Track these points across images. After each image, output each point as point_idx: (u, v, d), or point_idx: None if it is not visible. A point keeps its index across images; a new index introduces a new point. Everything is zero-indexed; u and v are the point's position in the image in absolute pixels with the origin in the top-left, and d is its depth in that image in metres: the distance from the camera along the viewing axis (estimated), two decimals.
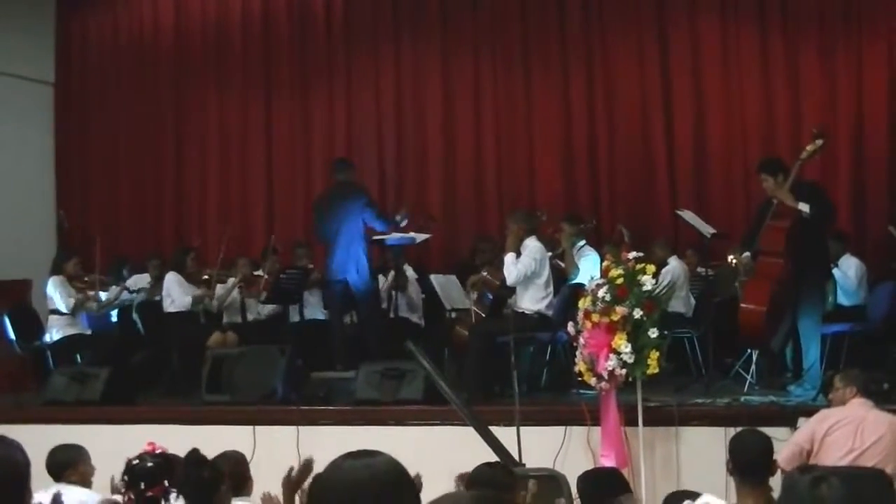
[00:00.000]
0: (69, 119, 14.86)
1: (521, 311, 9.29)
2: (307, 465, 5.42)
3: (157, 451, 5.25)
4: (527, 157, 12.98)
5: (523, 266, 9.22)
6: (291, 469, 5.42)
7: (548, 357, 9.85)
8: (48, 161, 14.70)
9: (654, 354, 7.38)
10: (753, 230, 8.88)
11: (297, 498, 5.33)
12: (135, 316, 11.87)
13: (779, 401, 8.30)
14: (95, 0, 14.97)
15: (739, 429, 6.13)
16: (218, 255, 11.44)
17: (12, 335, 11.19)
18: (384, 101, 13.59)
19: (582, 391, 8.34)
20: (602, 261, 8.72)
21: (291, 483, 5.41)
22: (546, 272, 9.43)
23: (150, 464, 5.04)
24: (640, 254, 7.82)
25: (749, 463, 5.11)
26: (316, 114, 13.87)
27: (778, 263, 8.56)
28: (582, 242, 10.69)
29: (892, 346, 9.78)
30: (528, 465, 6.79)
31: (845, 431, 6.15)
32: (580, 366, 7.66)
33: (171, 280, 11.09)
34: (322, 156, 13.70)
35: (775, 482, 5.26)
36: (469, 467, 5.20)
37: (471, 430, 7.13)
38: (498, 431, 7.18)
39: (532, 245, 9.37)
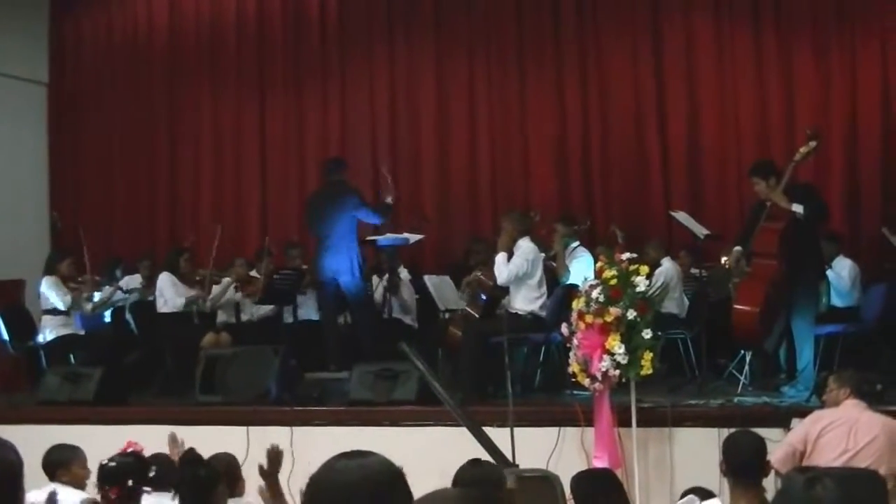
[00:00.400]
0: (63, 119, 14.85)
1: (514, 311, 9.29)
2: (275, 453, 5.48)
3: (129, 451, 5.28)
4: (521, 157, 12.98)
5: (514, 266, 9.22)
6: (260, 466, 5.46)
7: (541, 358, 9.84)
8: (42, 161, 14.69)
9: (648, 355, 7.38)
10: (747, 231, 8.89)
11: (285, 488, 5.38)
12: (128, 316, 11.87)
13: (772, 402, 8.30)
14: (89, 0, 14.95)
15: (733, 430, 6.14)
16: (210, 255, 11.41)
17: (6, 335, 11.19)
18: (378, 102, 13.60)
19: (576, 392, 8.34)
20: (595, 262, 8.72)
21: (268, 473, 5.45)
22: (539, 272, 9.42)
23: (113, 464, 5.07)
24: (634, 255, 7.83)
25: (742, 464, 5.12)
26: (310, 114, 13.87)
27: (771, 265, 8.56)
28: (576, 243, 10.68)
29: (886, 347, 9.80)
30: (522, 466, 6.79)
31: (838, 432, 6.16)
32: (574, 367, 7.66)
33: (165, 280, 11.08)
34: (316, 156, 13.70)
35: (769, 483, 5.27)
36: None
37: (464, 430, 7.12)
38: (492, 432, 7.17)
39: (525, 246, 9.36)
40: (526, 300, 9.32)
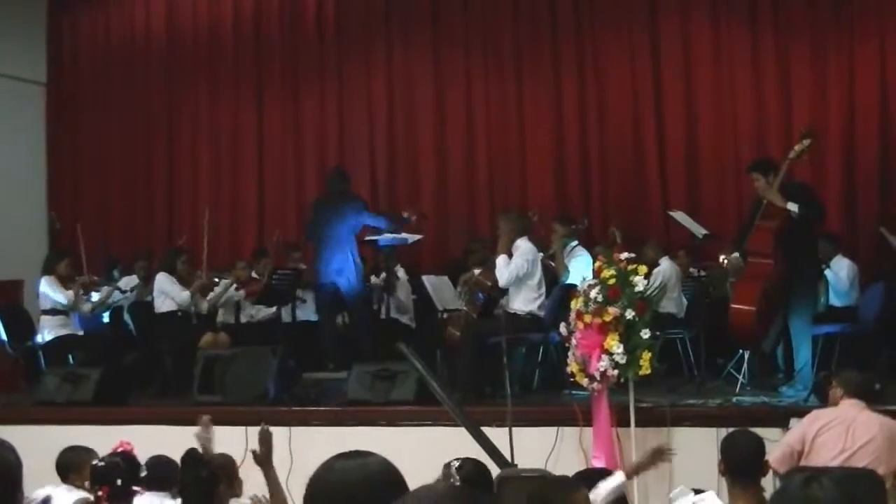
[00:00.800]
0: (61, 119, 14.85)
1: (513, 311, 9.29)
2: (265, 434, 5.47)
3: (119, 451, 5.29)
4: (518, 158, 12.99)
5: (515, 267, 9.22)
6: (253, 451, 5.45)
7: (540, 358, 9.84)
8: (40, 161, 14.69)
9: (647, 355, 7.38)
10: (743, 231, 8.90)
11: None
12: (126, 317, 11.86)
13: (770, 401, 8.30)
14: (87, 1, 14.95)
15: (731, 429, 6.14)
16: (203, 239, 11.36)
17: (4, 336, 11.19)
18: (375, 103, 13.60)
19: (574, 392, 8.33)
20: (594, 262, 8.72)
21: (261, 457, 5.44)
22: (538, 273, 9.43)
23: (102, 464, 5.08)
24: (633, 254, 7.83)
25: (741, 463, 5.12)
26: (307, 115, 13.88)
27: (767, 264, 8.57)
28: (574, 243, 10.68)
29: (884, 347, 9.80)
30: (521, 466, 6.79)
31: (836, 432, 6.16)
32: (572, 366, 7.66)
33: (161, 281, 11.02)
34: (313, 157, 13.73)
35: (767, 482, 5.27)
36: None
37: (463, 430, 7.13)
38: (490, 432, 7.18)
39: (524, 246, 9.36)
40: (525, 300, 9.32)
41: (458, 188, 13.19)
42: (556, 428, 8.07)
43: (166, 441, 6.34)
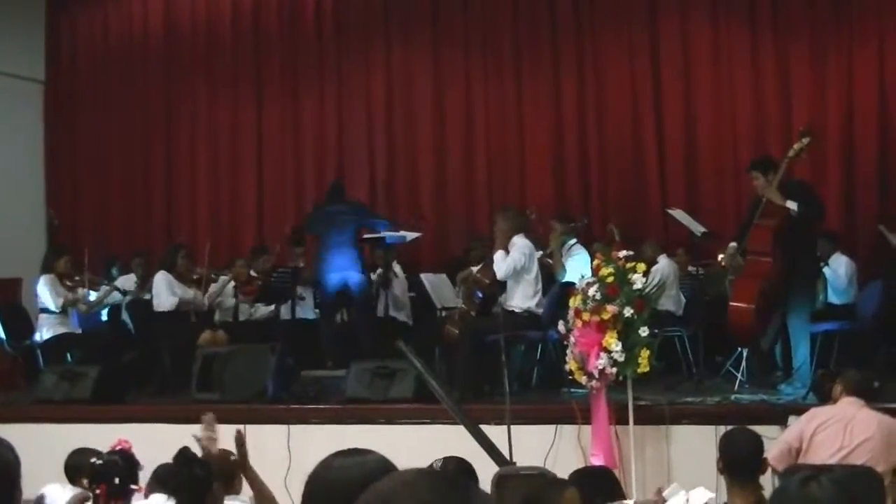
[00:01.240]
0: (59, 117, 14.84)
1: (511, 309, 9.30)
2: (238, 439, 5.48)
3: (118, 449, 5.28)
4: (517, 157, 12.99)
5: (512, 260, 9.25)
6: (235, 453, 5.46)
7: (538, 355, 9.85)
8: (38, 159, 14.68)
9: (645, 353, 7.38)
10: (742, 229, 8.90)
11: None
12: (125, 315, 11.85)
13: (769, 399, 8.31)
14: None
15: (730, 427, 6.14)
16: (205, 254, 11.41)
17: (2, 334, 11.20)
18: (375, 102, 13.60)
19: (572, 390, 8.33)
20: (592, 259, 8.72)
21: (239, 461, 5.44)
22: (535, 268, 9.44)
23: (100, 462, 5.07)
24: (631, 252, 7.83)
25: (739, 461, 5.12)
26: (306, 114, 13.87)
27: (766, 262, 8.58)
28: (572, 241, 10.69)
29: (882, 345, 9.81)
30: (519, 464, 6.79)
31: (834, 430, 6.16)
32: (571, 364, 7.67)
33: (160, 280, 11.04)
34: (312, 156, 13.74)
35: (765, 480, 5.28)
36: None
37: (461, 428, 7.12)
38: (488, 430, 7.17)
39: (520, 242, 9.39)
40: (523, 297, 9.33)
41: (457, 187, 13.18)
42: (554, 426, 8.07)
43: (165, 439, 6.33)
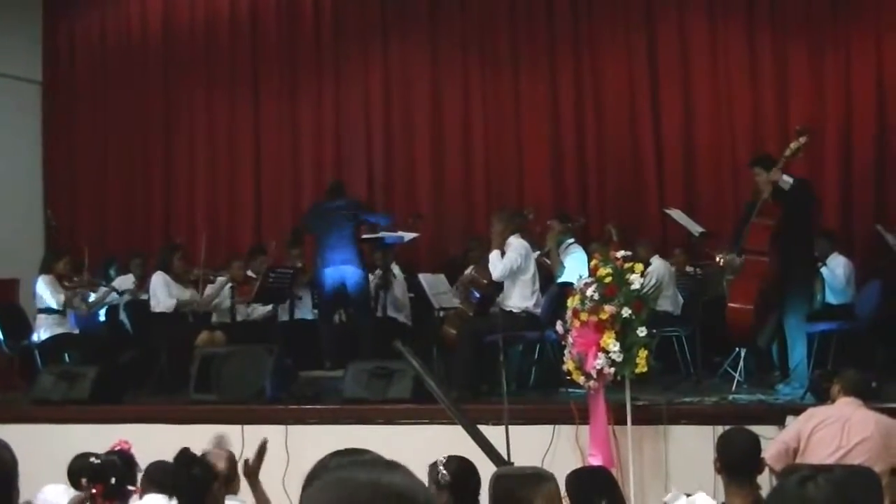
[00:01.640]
0: (57, 118, 14.84)
1: (509, 309, 9.30)
2: (262, 449, 5.50)
3: (117, 449, 5.29)
4: (515, 155, 13.00)
5: (508, 261, 9.26)
6: (247, 460, 5.47)
7: (536, 356, 9.85)
8: (36, 160, 14.68)
9: (643, 353, 7.38)
10: (739, 229, 8.91)
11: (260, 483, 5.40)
12: (122, 315, 11.85)
13: (767, 399, 8.32)
14: None
15: (727, 427, 6.14)
16: (201, 253, 11.40)
17: (0, 334, 11.17)
18: (372, 101, 13.60)
19: (570, 390, 8.32)
20: (589, 259, 8.72)
21: (252, 469, 5.46)
22: (532, 268, 9.45)
23: (98, 461, 5.07)
24: (629, 252, 7.84)
25: (737, 461, 5.12)
26: (304, 114, 13.87)
27: (763, 262, 8.58)
28: (570, 241, 10.69)
29: (880, 345, 9.81)
30: (517, 464, 6.79)
31: (831, 430, 6.16)
32: (569, 364, 7.66)
33: (157, 281, 11.02)
34: (310, 155, 13.74)
35: (763, 480, 5.28)
36: None
37: (459, 428, 7.13)
38: (486, 430, 7.17)
39: (516, 243, 9.40)
40: (521, 297, 9.34)
41: (454, 187, 13.19)
42: (552, 426, 8.08)
43: (162, 439, 6.34)
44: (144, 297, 11.34)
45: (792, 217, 8.54)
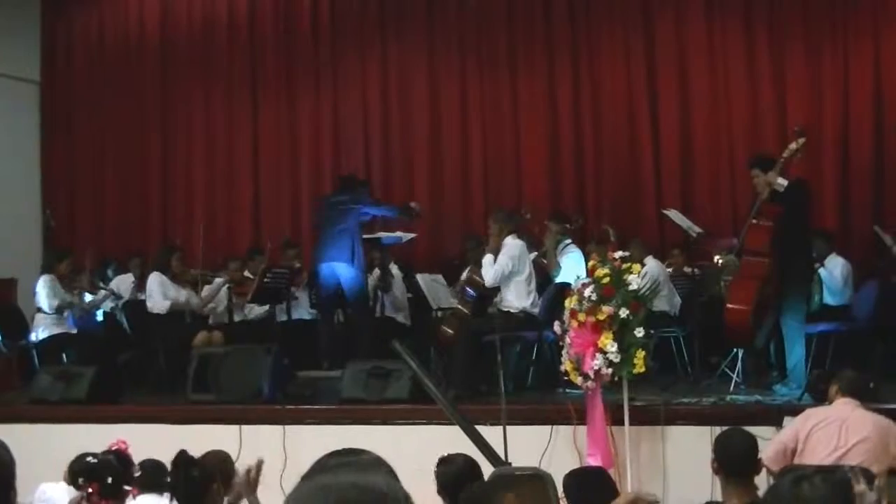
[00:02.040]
0: (55, 118, 14.84)
1: (507, 309, 9.31)
2: (259, 465, 5.50)
3: (114, 449, 5.29)
4: (513, 156, 13.00)
5: (500, 266, 9.30)
6: (249, 470, 5.48)
7: (534, 356, 9.85)
8: (34, 160, 14.68)
9: (640, 354, 7.38)
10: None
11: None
12: (119, 316, 11.84)
13: (764, 400, 8.32)
14: None
15: (725, 428, 6.14)
16: (198, 251, 11.40)
17: None
18: (370, 101, 13.60)
19: (568, 390, 8.34)
20: (586, 259, 8.72)
21: (249, 485, 5.46)
22: (527, 268, 9.47)
23: (94, 461, 5.08)
24: (627, 253, 7.84)
25: (734, 462, 5.12)
26: (302, 114, 13.87)
27: (762, 262, 8.59)
28: (567, 241, 10.69)
29: (878, 345, 9.81)
30: (515, 464, 6.79)
31: (829, 430, 6.16)
32: (566, 365, 7.66)
33: (153, 281, 11.01)
34: (308, 155, 13.74)
35: (761, 481, 5.28)
36: None
37: (457, 429, 7.13)
38: (484, 430, 7.17)
39: (510, 243, 9.42)
40: (518, 296, 9.36)
41: (452, 187, 13.19)
42: (550, 426, 8.08)
43: (160, 439, 6.35)
44: (143, 297, 11.34)
45: (790, 218, 8.54)
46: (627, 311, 7.34)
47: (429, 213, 12.72)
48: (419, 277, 10.98)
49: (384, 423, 8.65)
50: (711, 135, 12.24)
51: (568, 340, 7.63)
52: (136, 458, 5.56)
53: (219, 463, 5.46)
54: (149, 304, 11.02)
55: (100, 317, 12.02)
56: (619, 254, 7.73)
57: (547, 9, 12.90)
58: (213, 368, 9.57)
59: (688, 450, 7.66)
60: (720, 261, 9.23)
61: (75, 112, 14.78)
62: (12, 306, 12.09)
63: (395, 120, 13.52)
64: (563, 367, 7.75)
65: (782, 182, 8.53)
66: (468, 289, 10.06)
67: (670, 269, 11.07)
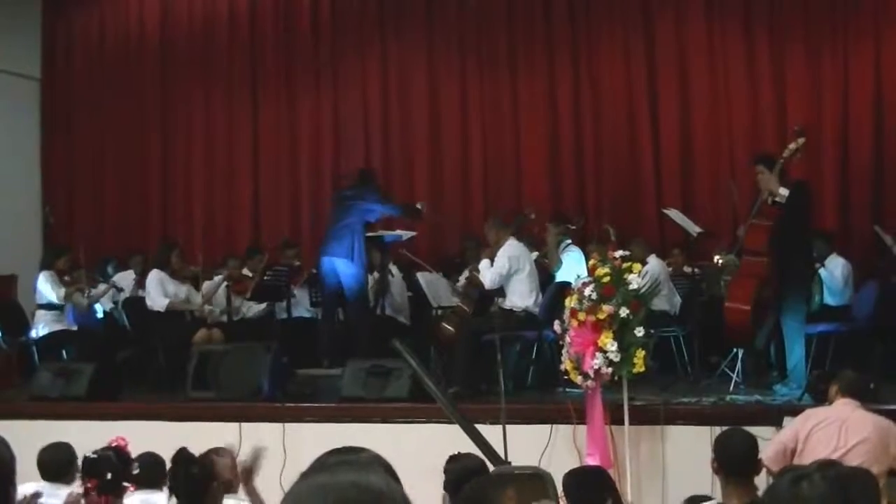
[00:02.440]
0: (56, 115, 14.83)
1: (509, 308, 9.31)
2: (257, 452, 5.52)
3: (113, 445, 5.30)
4: (513, 155, 12.99)
5: (497, 268, 9.35)
6: (244, 465, 5.49)
7: (534, 355, 9.85)
8: (34, 157, 14.67)
9: (640, 353, 7.38)
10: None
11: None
12: (115, 313, 11.84)
13: (764, 400, 8.32)
14: None
15: (725, 428, 6.14)
16: (198, 248, 11.41)
17: None
18: (370, 100, 13.59)
19: (568, 389, 8.34)
20: (586, 259, 8.72)
21: (245, 472, 5.48)
22: (528, 266, 9.48)
23: (94, 456, 5.09)
24: (628, 252, 7.84)
25: (734, 462, 5.12)
26: (302, 113, 13.87)
27: (761, 262, 8.59)
28: (568, 241, 10.69)
29: (878, 346, 9.81)
30: (514, 464, 6.79)
31: (829, 431, 6.16)
32: (566, 364, 7.66)
33: (152, 279, 11.00)
34: (308, 155, 13.74)
35: (760, 481, 5.28)
36: None
37: (457, 427, 7.13)
38: (484, 429, 7.17)
39: (509, 245, 9.44)
40: (520, 295, 9.38)
41: (452, 186, 13.19)
42: (549, 425, 8.08)
43: (159, 437, 6.35)
44: (143, 294, 11.34)
45: (789, 218, 8.54)
46: (627, 311, 7.35)
47: (429, 213, 12.72)
48: (419, 276, 10.97)
49: (384, 421, 8.66)
50: (711, 135, 12.23)
51: (568, 339, 7.63)
52: (135, 455, 5.56)
53: (223, 461, 5.47)
54: (148, 301, 11.02)
55: (100, 314, 12.02)
56: (619, 253, 7.73)
57: (547, 8, 12.90)
58: (213, 366, 9.58)
59: (687, 450, 7.66)
60: (720, 260, 9.23)
61: (75, 110, 14.77)
62: (12, 303, 12.09)
63: (394, 119, 13.51)
64: (562, 367, 7.75)
65: (784, 192, 8.52)
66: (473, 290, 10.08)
67: (670, 269, 11.07)
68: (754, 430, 5.76)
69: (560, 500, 5.66)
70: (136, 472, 5.39)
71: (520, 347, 9.71)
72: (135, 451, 5.57)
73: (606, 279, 7.48)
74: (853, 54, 11.73)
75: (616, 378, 7.45)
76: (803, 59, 11.88)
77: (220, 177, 14.15)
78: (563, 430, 8.02)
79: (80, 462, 5.33)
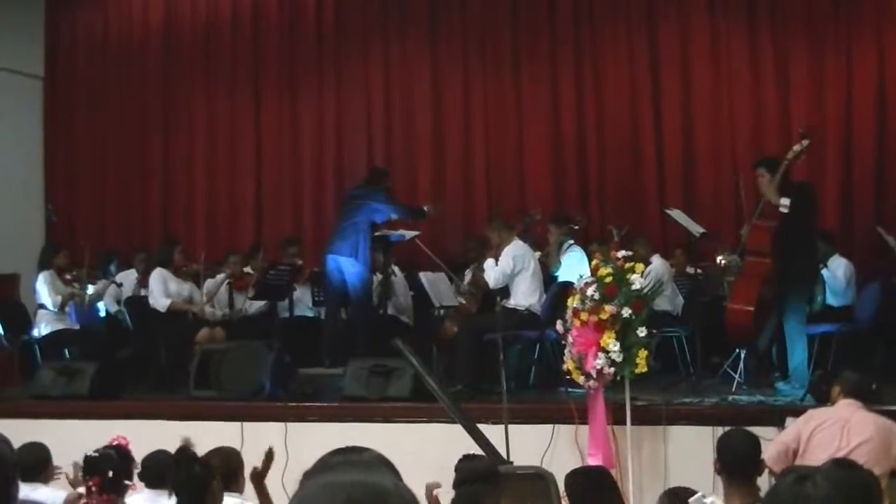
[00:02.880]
0: (58, 113, 14.82)
1: (512, 307, 9.31)
2: (269, 455, 5.54)
3: (114, 444, 5.31)
4: (516, 156, 12.98)
5: (501, 267, 9.35)
6: (255, 467, 5.51)
7: (536, 355, 9.85)
8: (37, 155, 14.65)
9: (643, 353, 7.38)
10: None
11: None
12: (119, 315, 11.83)
13: (766, 400, 8.32)
14: None
15: (727, 428, 6.14)
16: (199, 247, 11.41)
17: (0, 329, 11.17)
18: (373, 100, 13.58)
19: (570, 389, 8.32)
20: (589, 259, 8.72)
21: (258, 475, 5.49)
22: (532, 265, 9.49)
23: (96, 455, 5.10)
24: (630, 252, 7.84)
25: (736, 462, 5.12)
26: (305, 112, 13.85)
27: (764, 263, 8.58)
28: (570, 241, 10.69)
29: (880, 346, 9.81)
30: (516, 463, 6.80)
31: (831, 431, 6.16)
32: (568, 364, 7.66)
33: (155, 278, 10.99)
34: (310, 154, 13.72)
35: (762, 481, 5.28)
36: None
37: (459, 427, 7.13)
38: (486, 429, 7.18)
39: (512, 245, 9.45)
40: (524, 294, 9.38)
41: (455, 186, 13.17)
42: (551, 425, 8.08)
43: (161, 436, 6.34)
44: (145, 293, 11.34)
45: (793, 220, 8.54)
46: (630, 311, 7.35)
47: (434, 215, 12.73)
48: (422, 275, 10.96)
49: (386, 420, 8.66)
50: (714, 135, 12.23)
51: (570, 339, 7.64)
52: (138, 454, 5.56)
53: (225, 460, 5.48)
54: (150, 300, 11.02)
55: (102, 313, 12.02)
56: (622, 253, 7.73)
57: (550, 9, 12.89)
58: (215, 365, 9.58)
59: (689, 450, 7.67)
60: (723, 261, 9.23)
61: (78, 108, 14.76)
62: (15, 302, 12.09)
63: (397, 119, 13.50)
64: (564, 366, 7.76)
65: (785, 202, 8.51)
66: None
67: (673, 270, 11.07)
68: (756, 430, 5.76)
69: (562, 500, 5.66)
70: (137, 470, 5.40)
71: (522, 347, 9.71)
72: (137, 450, 5.57)
73: (609, 279, 7.48)
74: (856, 55, 11.73)
75: (618, 378, 7.46)
76: (806, 60, 11.88)
77: (223, 176, 14.13)
78: (565, 429, 8.02)
79: (81, 461, 5.34)
